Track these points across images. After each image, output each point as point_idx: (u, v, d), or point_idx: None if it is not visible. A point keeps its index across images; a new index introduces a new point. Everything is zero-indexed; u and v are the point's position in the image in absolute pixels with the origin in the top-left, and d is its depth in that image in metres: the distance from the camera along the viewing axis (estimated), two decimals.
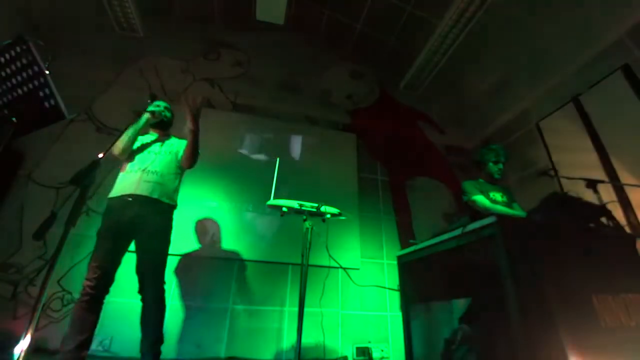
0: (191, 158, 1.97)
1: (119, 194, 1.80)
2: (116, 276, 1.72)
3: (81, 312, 1.58)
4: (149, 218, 1.77)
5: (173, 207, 1.94)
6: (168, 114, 2.10)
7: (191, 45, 3.89)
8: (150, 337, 1.70)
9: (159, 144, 2.02)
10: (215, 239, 2.85)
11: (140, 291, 1.74)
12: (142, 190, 1.79)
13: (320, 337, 2.71)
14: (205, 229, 2.87)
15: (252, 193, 3.12)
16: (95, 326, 1.62)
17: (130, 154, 1.92)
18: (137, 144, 1.97)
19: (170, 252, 1.90)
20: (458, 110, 4.56)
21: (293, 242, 2.85)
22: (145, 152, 1.95)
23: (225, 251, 2.84)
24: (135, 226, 1.75)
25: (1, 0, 2.85)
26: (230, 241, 2.89)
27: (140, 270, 1.76)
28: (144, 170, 1.85)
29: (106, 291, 1.67)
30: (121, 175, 1.89)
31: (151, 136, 2.08)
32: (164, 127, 2.11)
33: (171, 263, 2.61)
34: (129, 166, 1.90)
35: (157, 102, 2.09)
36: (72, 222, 1.14)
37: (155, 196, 1.81)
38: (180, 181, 2.02)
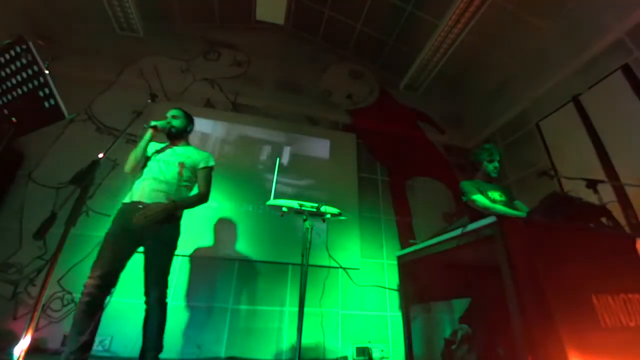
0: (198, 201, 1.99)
1: (130, 200, 1.83)
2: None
3: (81, 312, 1.57)
4: (158, 226, 1.78)
5: (180, 216, 1.94)
6: (175, 123, 2.06)
7: (191, 45, 3.89)
8: (150, 343, 1.70)
9: (169, 152, 2.01)
10: (216, 240, 2.85)
11: (145, 293, 1.76)
12: (153, 198, 1.81)
13: (320, 337, 2.70)
14: (205, 229, 2.87)
15: (252, 193, 3.12)
16: (96, 327, 1.61)
17: (144, 162, 1.94)
18: (150, 151, 1.99)
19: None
20: (458, 110, 4.56)
21: (293, 242, 2.85)
22: (156, 160, 1.95)
23: (225, 251, 2.84)
24: (144, 233, 1.76)
25: (1, 0, 2.85)
26: (230, 241, 2.89)
27: (146, 273, 1.79)
28: (154, 178, 1.87)
29: (107, 292, 1.66)
30: (135, 181, 1.92)
31: (163, 144, 2.08)
32: (174, 137, 2.08)
33: (172, 264, 2.60)
34: (142, 173, 1.92)
35: (169, 112, 2.09)
36: (72, 222, 1.14)
37: None
38: (190, 191, 2.01)
